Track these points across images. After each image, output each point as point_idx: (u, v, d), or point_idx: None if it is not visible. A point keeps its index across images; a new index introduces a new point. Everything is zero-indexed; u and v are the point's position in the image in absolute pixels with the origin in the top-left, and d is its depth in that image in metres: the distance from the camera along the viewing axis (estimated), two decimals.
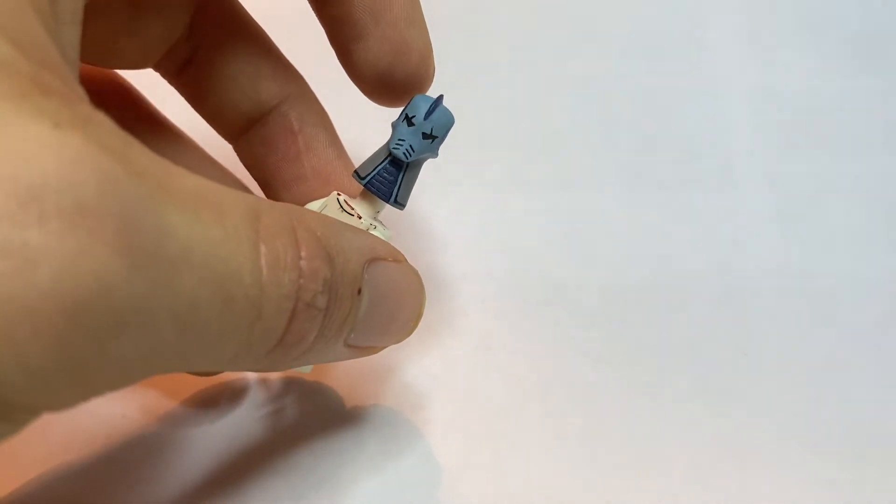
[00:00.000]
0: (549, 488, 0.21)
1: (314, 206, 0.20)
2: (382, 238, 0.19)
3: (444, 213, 0.27)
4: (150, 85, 0.22)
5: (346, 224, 0.17)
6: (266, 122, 0.21)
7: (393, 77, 0.19)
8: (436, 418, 0.22)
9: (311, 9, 0.20)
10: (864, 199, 0.29)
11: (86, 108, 0.12)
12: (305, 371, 0.21)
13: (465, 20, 0.33)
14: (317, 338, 0.16)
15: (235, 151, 0.22)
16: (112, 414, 0.22)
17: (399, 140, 0.19)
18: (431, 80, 0.20)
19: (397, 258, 0.18)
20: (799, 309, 0.26)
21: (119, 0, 0.19)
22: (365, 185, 0.19)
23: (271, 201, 0.15)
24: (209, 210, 0.13)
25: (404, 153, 0.19)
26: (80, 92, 0.12)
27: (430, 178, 0.27)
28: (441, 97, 0.19)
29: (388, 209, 0.20)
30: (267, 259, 0.14)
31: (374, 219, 0.19)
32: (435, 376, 0.23)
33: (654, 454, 0.22)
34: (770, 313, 0.26)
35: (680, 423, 0.22)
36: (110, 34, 0.19)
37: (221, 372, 0.22)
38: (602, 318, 0.25)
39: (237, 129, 0.21)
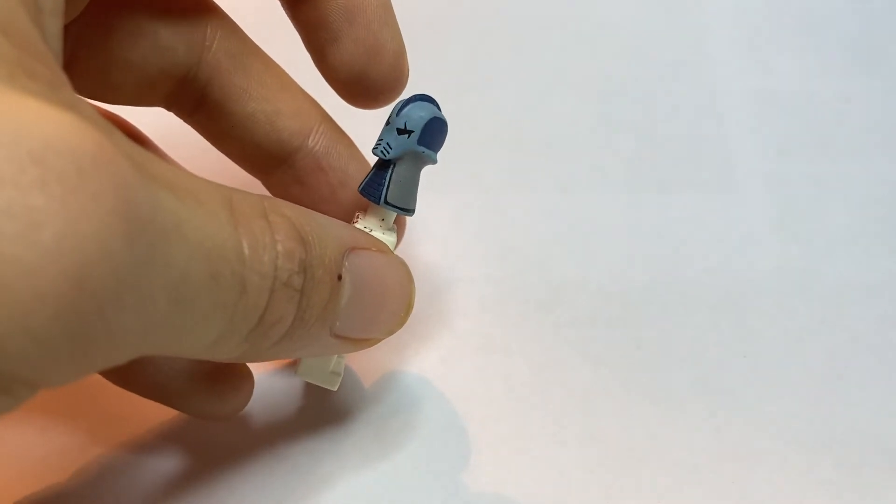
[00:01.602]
0: (548, 489, 0.21)
1: None
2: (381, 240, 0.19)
3: (444, 215, 0.27)
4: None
5: (323, 215, 0.17)
6: (294, 162, 0.21)
7: (368, 78, 0.19)
8: (435, 420, 0.22)
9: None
10: (864, 200, 0.29)
11: (69, 93, 0.12)
12: (331, 388, 0.21)
13: (464, 22, 0.33)
14: (295, 321, 0.16)
15: (266, 188, 0.22)
16: (108, 413, 0.22)
17: (378, 140, 0.19)
18: (406, 81, 0.20)
19: (381, 249, 0.18)
20: (798, 310, 0.26)
21: (111, 28, 0.19)
22: (360, 192, 0.19)
23: (243, 190, 0.15)
24: (187, 193, 0.13)
25: (382, 151, 0.19)
26: (64, 79, 0.12)
27: (430, 180, 0.28)
28: (421, 95, 0.19)
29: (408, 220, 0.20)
30: (247, 239, 0.14)
31: (380, 228, 0.20)
32: (434, 378, 0.23)
33: (654, 455, 0.22)
34: (770, 315, 0.26)
35: (680, 425, 0.22)
36: (104, 64, 0.19)
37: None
38: (602, 319, 0.25)
39: (264, 168, 0.21)
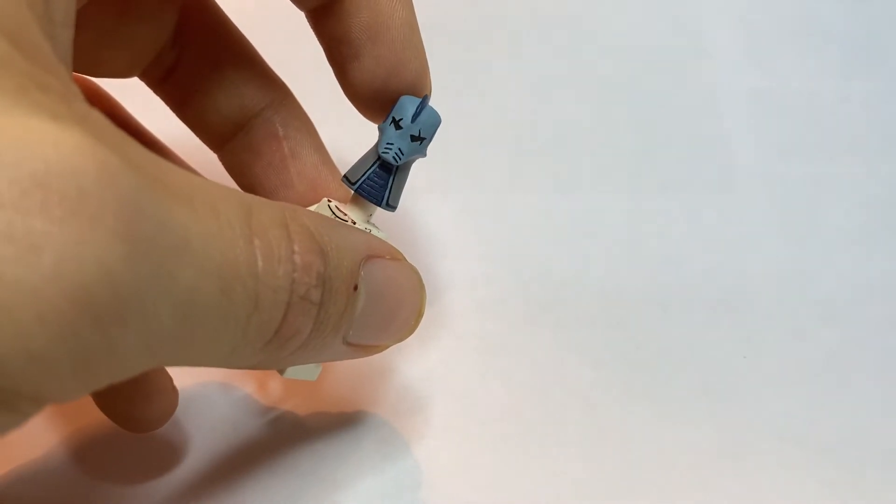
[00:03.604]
0: (549, 489, 0.21)
1: None
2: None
3: (445, 216, 0.28)
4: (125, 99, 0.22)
5: (341, 222, 0.17)
6: (250, 128, 0.21)
7: (387, 96, 0.19)
8: (435, 420, 0.22)
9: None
10: (864, 201, 0.29)
11: (82, 105, 0.12)
12: (310, 378, 0.20)
13: (464, 22, 0.33)
14: (312, 333, 0.16)
15: (220, 160, 0.22)
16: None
17: (388, 144, 0.19)
18: (427, 100, 0.20)
19: (395, 256, 0.18)
20: (798, 311, 0.26)
21: (108, 9, 0.19)
22: (356, 191, 0.19)
23: (264, 199, 0.15)
24: (202, 204, 0.13)
25: (394, 157, 0.19)
26: (76, 90, 0.12)
27: (431, 182, 0.28)
28: (427, 97, 0.19)
29: (378, 211, 0.20)
30: (262, 251, 0.14)
31: (368, 222, 0.20)
32: (434, 378, 0.23)
33: (654, 456, 0.22)
34: (770, 315, 0.26)
35: (680, 425, 0.22)
36: (99, 43, 0.19)
37: None
38: (602, 320, 0.25)
39: (222, 137, 0.21)
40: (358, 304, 0.17)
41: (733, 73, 0.32)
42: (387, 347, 0.19)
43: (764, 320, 0.25)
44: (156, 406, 0.20)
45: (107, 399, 0.20)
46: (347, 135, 0.22)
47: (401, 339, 0.19)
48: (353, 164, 0.20)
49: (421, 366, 0.24)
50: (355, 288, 0.16)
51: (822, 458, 0.22)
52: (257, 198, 0.15)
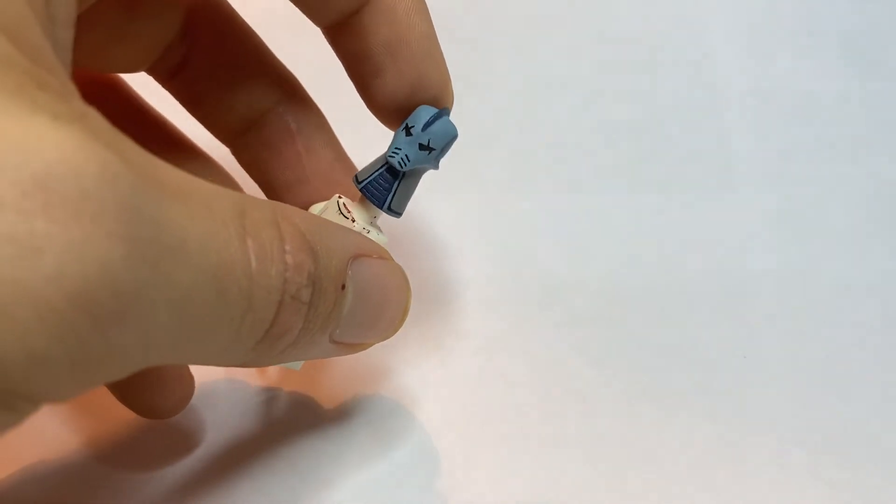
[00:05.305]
0: (549, 489, 0.21)
1: (316, 208, 0.20)
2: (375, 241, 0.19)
3: (445, 216, 0.27)
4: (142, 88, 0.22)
5: (331, 222, 0.17)
6: (264, 124, 0.21)
7: (411, 109, 0.19)
8: (435, 420, 0.22)
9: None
10: (864, 201, 0.29)
11: (80, 104, 0.12)
12: (295, 367, 0.21)
13: (465, 22, 0.33)
14: (301, 331, 0.16)
15: (234, 155, 0.22)
16: (104, 412, 0.22)
17: (395, 149, 0.19)
18: (450, 110, 0.20)
19: (382, 255, 0.18)
20: (798, 311, 0.26)
21: (114, 6, 0.19)
22: (361, 190, 0.19)
23: (256, 197, 0.15)
24: (197, 204, 0.13)
25: (399, 162, 0.19)
26: (73, 89, 0.12)
27: (431, 182, 0.28)
28: (444, 110, 0.19)
29: (385, 216, 0.20)
30: (255, 252, 0.14)
31: (371, 224, 0.20)
32: (434, 378, 0.23)
33: (654, 455, 0.22)
34: (770, 315, 0.26)
35: (680, 425, 0.22)
36: (105, 40, 0.19)
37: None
38: (602, 320, 0.25)
39: (233, 133, 0.21)
40: (345, 303, 0.17)
41: (733, 72, 0.32)
42: (372, 345, 0.19)
43: (764, 320, 0.25)
44: (173, 394, 0.20)
45: (123, 387, 0.20)
46: (361, 136, 0.22)
47: (386, 338, 0.19)
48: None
49: (421, 365, 0.24)
50: (343, 287, 0.17)
51: (822, 458, 0.22)
52: (249, 196, 0.15)
